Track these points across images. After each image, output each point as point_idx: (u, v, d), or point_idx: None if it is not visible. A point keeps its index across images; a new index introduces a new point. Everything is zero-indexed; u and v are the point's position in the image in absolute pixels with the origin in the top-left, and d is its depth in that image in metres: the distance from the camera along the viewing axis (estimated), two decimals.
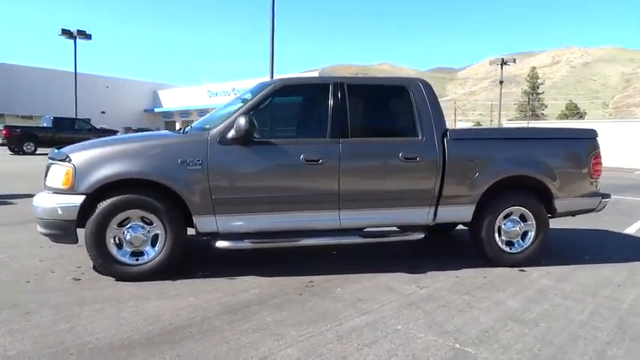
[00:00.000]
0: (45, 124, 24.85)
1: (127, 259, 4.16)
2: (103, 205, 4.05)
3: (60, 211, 4.05)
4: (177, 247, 4.21)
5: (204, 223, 4.23)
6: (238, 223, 4.29)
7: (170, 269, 4.22)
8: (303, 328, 3.23)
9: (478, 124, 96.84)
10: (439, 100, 4.85)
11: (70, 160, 4.10)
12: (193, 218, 4.20)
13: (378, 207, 4.53)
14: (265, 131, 4.53)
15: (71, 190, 4.06)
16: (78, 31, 32.13)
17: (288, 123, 4.87)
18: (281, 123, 4.80)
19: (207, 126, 4.42)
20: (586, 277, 4.57)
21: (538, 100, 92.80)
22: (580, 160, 5.03)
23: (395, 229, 4.81)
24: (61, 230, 4.10)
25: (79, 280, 4.18)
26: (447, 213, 4.71)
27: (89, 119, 29.90)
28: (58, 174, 4.12)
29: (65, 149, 4.28)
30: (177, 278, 4.21)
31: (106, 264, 4.11)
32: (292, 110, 4.91)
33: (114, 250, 4.14)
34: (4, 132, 23.03)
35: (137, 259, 4.19)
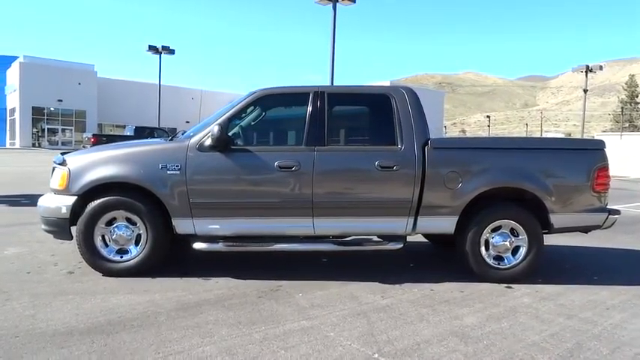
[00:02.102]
0: (128, 133, 27.03)
1: (112, 256, 4.51)
2: (91, 206, 4.43)
3: (55, 210, 4.49)
4: (158, 246, 4.48)
5: (182, 225, 4.47)
6: (214, 226, 4.49)
7: (151, 267, 4.50)
8: (237, 328, 3.34)
9: (569, 135, 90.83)
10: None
11: (66, 164, 4.54)
12: (172, 220, 4.46)
13: (354, 215, 4.53)
14: (244, 139, 4.70)
15: (66, 191, 4.49)
16: (162, 46, 34.55)
17: (268, 131, 5.01)
18: (261, 131, 4.95)
19: (192, 133, 4.68)
20: (576, 298, 4.24)
21: (637, 110, 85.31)
22: (581, 172, 4.69)
23: (373, 237, 4.76)
24: (57, 227, 4.54)
25: (72, 273, 4.59)
26: (428, 224, 4.60)
27: (174, 129, 31.97)
28: (57, 176, 4.57)
29: (66, 154, 4.73)
30: (158, 276, 4.49)
31: (93, 260, 4.48)
32: (273, 119, 5.05)
33: (101, 248, 4.50)
34: (92, 140, 25.35)
35: (122, 257, 4.52)
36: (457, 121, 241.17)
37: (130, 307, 3.69)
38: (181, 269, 4.73)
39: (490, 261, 4.64)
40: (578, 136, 48.55)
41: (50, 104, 47.58)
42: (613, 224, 4.86)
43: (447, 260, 5.45)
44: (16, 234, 6.28)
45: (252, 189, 4.46)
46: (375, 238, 4.73)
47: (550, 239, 6.16)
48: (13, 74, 49.24)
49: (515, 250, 4.67)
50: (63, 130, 49.08)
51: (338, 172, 4.51)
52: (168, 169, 4.40)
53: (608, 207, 4.82)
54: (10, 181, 13.30)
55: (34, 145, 46.72)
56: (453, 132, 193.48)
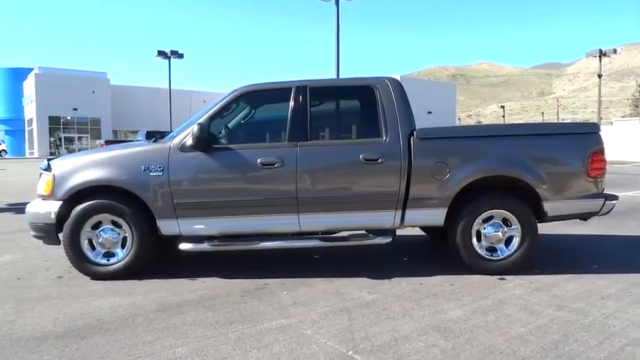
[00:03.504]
0: (140, 138, 27.28)
1: (99, 260, 4.50)
2: (77, 210, 4.42)
3: (42, 216, 4.50)
4: (144, 248, 4.46)
5: (167, 226, 4.44)
6: (199, 226, 4.45)
7: (138, 269, 4.48)
8: (213, 328, 3.28)
9: None
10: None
11: (51, 170, 4.54)
12: (157, 222, 4.43)
13: (340, 210, 4.44)
14: (227, 137, 4.65)
15: (51, 197, 4.49)
16: (171, 51, 34.81)
17: (250, 128, 4.93)
18: (244, 129, 4.87)
19: (175, 134, 4.65)
20: (571, 288, 4.10)
21: None
22: (574, 157, 4.53)
23: (361, 232, 4.66)
24: (44, 232, 4.55)
25: (62, 277, 4.59)
26: (416, 216, 4.49)
27: None
28: (42, 182, 4.57)
29: (52, 160, 4.73)
30: (145, 278, 4.47)
31: (80, 264, 4.48)
32: (255, 116, 4.97)
33: (88, 251, 4.49)
34: (104, 146, 25.69)
35: (108, 260, 4.51)
36: (472, 113, 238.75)
37: (111, 310, 3.67)
38: (170, 270, 4.71)
39: (482, 252, 4.52)
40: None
41: (66, 113, 48.39)
42: (611, 210, 4.69)
43: (442, 253, 5.32)
44: (16, 241, 6.33)
45: (235, 187, 4.41)
46: (364, 233, 4.63)
47: (555, 227, 6.05)
48: (29, 86, 50.17)
49: (508, 241, 4.54)
50: (79, 138, 49.87)
51: (322, 167, 4.43)
52: (150, 171, 4.37)
53: (605, 192, 4.65)
54: (24, 190, 13.51)
55: (52, 154, 47.56)
56: (468, 123, 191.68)
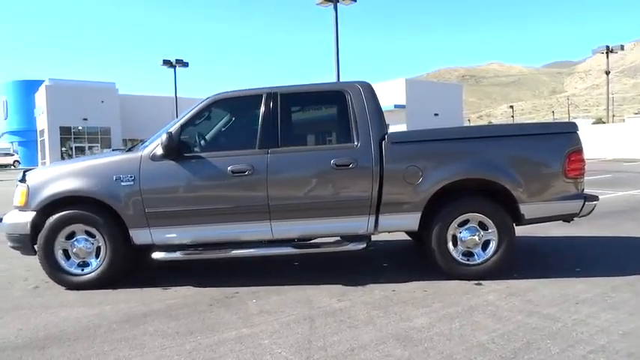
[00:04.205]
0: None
1: (73, 270, 4.50)
2: (50, 221, 4.42)
3: (17, 227, 4.51)
4: (117, 258, 4.45)
5: (140, 235, 4.43)
6: (171, 235, 4.43)
7: (111, 279, 4.47)
8: (172, 339, 3.25)
9: (600, 120, 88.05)
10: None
11: (25, 181, 4.56)
12: (129, 231, 4.42)
13: (313, 217, 4.39)
14: (198, 145, 4.63)
15: (26, 208, 4.50)
16: (176, 60, 35.09)
17: (222, 136, 4.90)
18: (215, 136, 4.84)
19: (147, 143, 4.64)
20: (548, 293, 4.00)
21: None
22: (551, 158, 4.44)
23: (335, 239, 4.60)
24: (20, 243, 4.56)
25: (38, 287, 4.61)
26: (390, 222, 4.43)
27: None
28: (18, 193, 4.59)
29: (28, 172, 4.75)
30: (121, 287, 4.46)
31: (54, 274, 4.48)
32: (227, 123, 4.95)
33: (62, 261, 4.49)
34: None
35: (82, 270, 4.51)
36: (483, 114, 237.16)
37: (76, 321, 3.66)
38: (147, 279, 4.70)
39: (459, 257, 4.44)
40: (609, 121, 47.03)
41: (76, 123, 48.98)
42: (591, 211, 4.59)
43: (424, 258, 5.24)
44: (2, 252, 6.36)
45: (206, 195, 4.39)
46: (338, 239, 4.58)
47: (547, 229, 5.95)
48: (40, 97, 50.87)
49: (485, 245, 4.45)
50: (90, 148, 50.37)
51: (292, 174, 4.39)
52: (122, 181, 4.37)
53: (585, 193, 4.55)
54: None
55: None
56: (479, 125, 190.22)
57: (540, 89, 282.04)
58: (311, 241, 4.64)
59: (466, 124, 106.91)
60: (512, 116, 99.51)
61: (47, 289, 4.54)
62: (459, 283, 4.33)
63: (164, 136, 4.27)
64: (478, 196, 4.46)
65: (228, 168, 4.32)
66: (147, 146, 4.53)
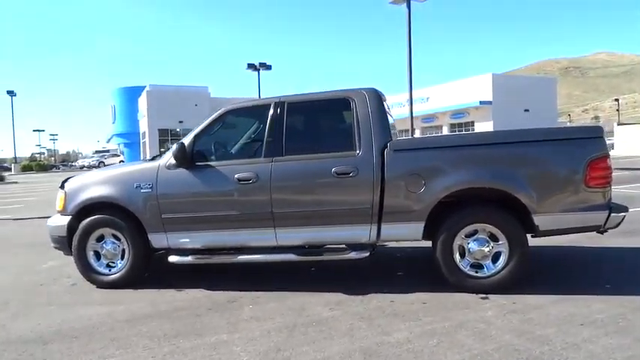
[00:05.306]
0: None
1: (102, 269, 4.93)
2: (82, 224, 4.88)
3: (57, 229, 5.03)
4: (139, 260, 4.80)
5: (157, 239, 4.74)
6: (185, 239, 4.69)
7: (134, 279, 4.84)
8: (156, 341, 3.46)
9: None
10: None
11: (64, 188, 5.07)
12: (148, 235, 4.75)
13: (315, 225, 4.42)
14: (212, 155, 4.82)
15: (64, 212, 5.01)
16: (260, 63, 36.36)
17: (233, 146, 5.06)
18: (227, 146, 5.00)
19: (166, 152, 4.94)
20: (556, 312, 3.70)
21: None
22: (569, 165, 4.10)
23: (341, 246, 4.58)
24: (59, 244, 5.07)
25: (75, 285, 5.09)
26: (393, 231, 4.34)
27: None
28: (58, 199, 5.12)
29: (67, 179, 5.26)
30: (141, 287, 4.80)
31: (86, 273, 4.93)
32: (237, 133, 5.11)
33: (93, 262, 4.93)
34: None
35: (110, 270, 4.92)
36: (589, 108, 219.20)
37: (87, 319, 4.01)
38: (167, 281, 5.00)
39: (466, 269, 4.24)
40: None
41: (173, 125, 52.55)
42: (620, 223, 4.17)
43: None
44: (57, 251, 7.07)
45: (215, 203, 4.58)
46: (341, 247, 4.56)
47: (581, 239, 5.48)
48: (142, 102, 55.26)
49: (495, 257, 4.22)
50: None
51: (294, 182, 4.45)
52: (142, 188, 4.70)
53: (612, 203, 4.14)
54: None
55: None
56: (583, 120, 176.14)
57: None
58: (313, 249, 4.65)
59: (566, 119, 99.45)
60: (618, 110, 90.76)
61: (82, 287, 4.99)
62: (463, 296, 4.15)
63: (174, 146, 4.54)
64: (488, 205, 4.23)
65: (235, 176, 4.49)
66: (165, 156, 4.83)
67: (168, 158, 4.71)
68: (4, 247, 7.62)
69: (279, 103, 4.62)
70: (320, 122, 4.86)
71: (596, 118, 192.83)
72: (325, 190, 4.39)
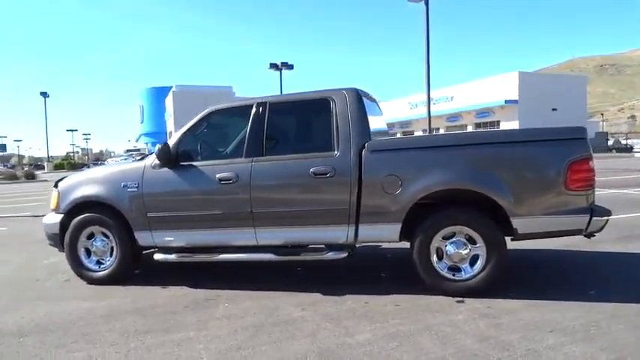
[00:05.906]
0: None
1: (92, 266, 5.07)
2: (73, 222, 5.03)
3: (51, 226, 5.20)
4: (126, 257, 4.93)
5: (143, 237, 4.85)
6: (169, 238, 4.79)
7: (122, 276, 4.96)
8: (126, 337, 3.55)
9: None
10: None
11: (57, 187, 5.23)
12: (134, 233, 4.86)
13: (294, 225, 4.45)
14: (196, 155, 4.88)
15: (57, 210, 5.17)
16: (282, 63, 36.61)
17: (217, 146, 5.10)
18: (211, 146, 5.05)
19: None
20: (527, 317, 3.63)
21: None
22: (548, 167, 4.00)
23: (319, 246, 4.58)
24: (53, 241, 5.24)
25: (68, 281, 5.24)
26: (370, 232, 4.32)
27: None
28: (52, 197, 5.29)
29: (61, 179, 5.43)
30: (131, 284, 4.92)
31: (77, 269, 5.08)
32: (222, 133, 5.17)
33: (84, 258, 5.08)
34: None
35: (99, 267, 5.06)
36: (625, 106, 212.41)
37: (68, 313, 4.13)
38: (156, 277, 5.11)
39: (443, 272, 4.20)
40: None
41: None
42: (603, 227, 4.06)
43: None
44: None
45: (198, 202, 4.66)
46: (320, 247, 4.57)
47: (575, 242, 5.36)
48: (169, 102, 56.32)
49: (473, 260, 4.16)
50: None
51: (273, 182, 4.49)
52: (128, 187, 4.82)
53: (593, 207, 4.03)
54: None
55: None
56: (618, 119, 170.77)
57: None
58: (291, 249, 4.66)
59: (598, 119, 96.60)
60: None
61: (74, 283, 5.14)
62: (440, 299, 4.10)
63: (157, 147, 4.63)
64: (466, 208, 4.18)
65: (217, 176, 4.55)
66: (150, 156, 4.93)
67: (154, 158, 4.80)
68: (14, 243, 7.89)
69: (262, 104, 4.67)
70: (301, 122, 4.89)
71: (632, 117, 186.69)
72: (303, 191, 4.41)
